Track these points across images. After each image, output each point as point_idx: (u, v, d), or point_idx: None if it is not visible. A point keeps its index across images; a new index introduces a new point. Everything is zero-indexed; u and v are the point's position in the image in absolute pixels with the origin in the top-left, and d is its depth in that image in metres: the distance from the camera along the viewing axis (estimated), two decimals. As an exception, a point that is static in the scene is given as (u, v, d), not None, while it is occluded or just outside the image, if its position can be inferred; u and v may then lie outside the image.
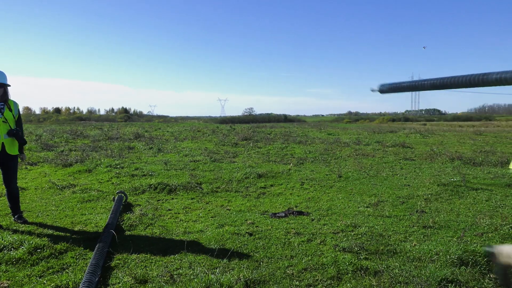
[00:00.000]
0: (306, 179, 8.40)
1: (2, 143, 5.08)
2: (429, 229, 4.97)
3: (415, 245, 4.37)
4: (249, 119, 64.50)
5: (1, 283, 3.44)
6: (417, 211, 5.82)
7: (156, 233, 4.87)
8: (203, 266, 3.81)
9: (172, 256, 4.08)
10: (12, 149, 5.19)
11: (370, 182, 8.11)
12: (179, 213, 5.81)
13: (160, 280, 3.51)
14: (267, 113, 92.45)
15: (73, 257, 4.05)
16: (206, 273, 3.58)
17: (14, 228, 5.00)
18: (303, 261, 3.96)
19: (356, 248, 4.21)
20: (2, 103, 5.12)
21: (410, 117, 72.35)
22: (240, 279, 3.43)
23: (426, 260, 3.92)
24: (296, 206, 6.19)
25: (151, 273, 3.66)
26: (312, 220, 5.44)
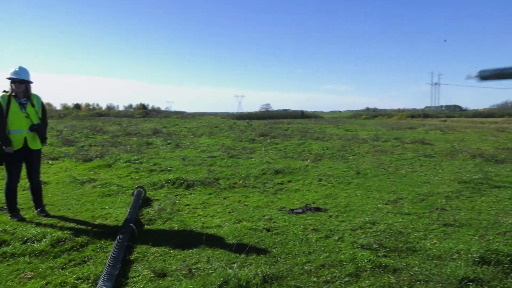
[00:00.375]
0: (324, 176, 8.36)
1: (25, 137, 5.18)
2: (449, 227, 4.89)
3: (435, 243, 4.30)
4: (266, 115, 64.43)
5: (25, 274, 3.53)
6: (437, 209, 5.73)
7: (174, 227, 4.92)
8: (221, 260, 3.84)
9: (190, 250, 4.12)
10: (34, 143, 5.29)
11: (389, 179, 8.02)
12: (197, 208, 5.85)
13: (178, 274, 3.55)
14: (284, 109, 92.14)
15: (94, 250, 4.13)
16: (224, 267, 3.61)
17: (37, 221, 5.12)
18: (321, 257, 3.95)
19: (374, 245, 4.17)
20: (25, 99, 5.22)
21: (430, 113, 71.17)
22: (258, 274, 3.44)
23: (447, 259, 3.86)
24: (313, 203, 6.17)
25: (170, 267, 3.70)
26: (330, 216, 5.42)
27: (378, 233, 4.65)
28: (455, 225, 4.97)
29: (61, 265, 3.75)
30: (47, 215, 5.37)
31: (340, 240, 4.46)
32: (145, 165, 9.41)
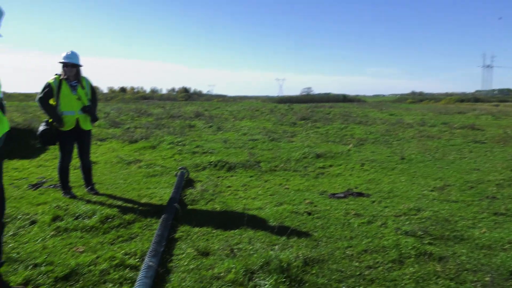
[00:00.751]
0: (367, 161, 8.19)
1: (77, 119, 5.40)
2: (500, 216, 4.66)
3: (484, 232, 4.13)
4: (307, 98, 63.61)
5: (77, 248, 3.73)
6: (487, 197, 5.48)
7: (216, 208, 5.01)
8: (262, 242, 3.88)
9: (232, 231, 4.19)
10: (86, 124, 5.51)
11: (435, 165, 7.74)
12: (238, 190, 5.92)
13: (221, 253, 3.62)
14: (326, 93, 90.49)
15: (140, 228, 4.29)
16: (266, 249, 3.64)
17: (87, 198, 5.38)
18: (363, 242, 3.89)
19: (419, 232, 4.05)
20: (76, 82, 5.43)
21: (480, 98, 67.48)
22: (299, 257, 3.45)
23: (497, 249, 3.70)
24: (356, 187, 6.07)
25: (212, 246, 3.79)
26: (373, 202, 5.32)
27: (423, 220, 4.51)
28: (507, 214, 4.74)
29: (110, 240, 3.93)
30: (96, 193, 5.61)
31: (383, 226, 4.38)
32: (188, 147, 9.62)
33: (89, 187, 5.72)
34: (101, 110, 20.92)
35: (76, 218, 4.48)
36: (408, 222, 4.43)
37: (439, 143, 10.84)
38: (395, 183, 6.32)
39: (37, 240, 3.93)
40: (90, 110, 5.49)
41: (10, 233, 4.08)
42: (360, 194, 5.68)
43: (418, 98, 78.06)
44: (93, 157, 8.43)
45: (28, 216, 4.53)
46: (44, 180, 6.42)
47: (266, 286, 2.94)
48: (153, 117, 18.35)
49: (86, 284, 3.07)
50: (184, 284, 3.08)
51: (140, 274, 2.95)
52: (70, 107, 5.34)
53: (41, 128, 5.31)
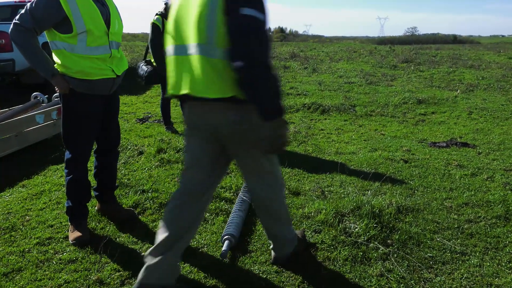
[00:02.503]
0: (476, 108, 7.46)
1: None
2: None
3: None
4: (411, 39, 58.70)
5: (179, 179, 4.06)
6: None
7: (308, 150, 5.02)
8: (354, 186, 3.83)
9: (323, 174, 4.19)
10: None
11: (560, 117, 6.79)
12: (331, 134, 5.84)
13: (312, 194, 3.67)
14: (433, 33, 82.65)
15: (235, 164, 4.49)
16: (357, 193, 3.60)
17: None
18: (464, 195, 3.65)
19: (532, 190, 3.67)
20: None
21: None
22: (392, 204, 3.36)
23: None
24: (460, 137, 5.61)
25: (303, 186, 3.85)
26: (479, 153, 4.89)
27: (539, 176, 4.06)
28: None
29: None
30: (174, 131, 5.92)
31: (489, 179, 4.03)
32: (282, 88, 9.59)
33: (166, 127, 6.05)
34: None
35: (178, 151, 4.83)
36: (519, 178, 4.02)
37: None
38: (508, 135, 5.70)
39: (144, 169, 4.35)
40: None
41: (122, 161, 4.57)
42: (464, 144, 5.25)
43: (546, 39, 67.46)
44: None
45: (136, 147, 5.00)
46: (150, 115, 6.96)
47: (356, 229, 2.94)
48: (249, 58, 18.52)
49: (186, 211, 3.36)
50: (275, 219, 3.20)
51: (235, 207, 3.13)
52: None
53: (146, 68, 5.41)
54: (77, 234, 2.85)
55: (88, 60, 2.67)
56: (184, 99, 2.06)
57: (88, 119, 2.83)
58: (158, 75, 5.43)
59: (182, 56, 1.96)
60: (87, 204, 3.10)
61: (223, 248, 2.59)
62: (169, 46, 2.05)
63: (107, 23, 2.75)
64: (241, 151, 2.12)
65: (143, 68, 5.45)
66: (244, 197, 3.29)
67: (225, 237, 2.71)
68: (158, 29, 5.26)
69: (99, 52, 2.71)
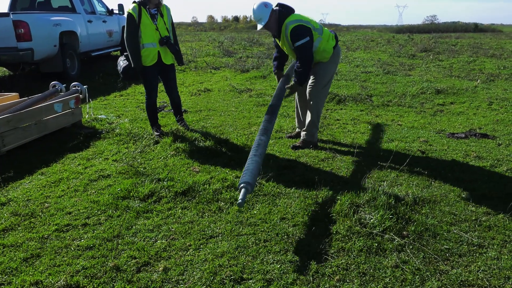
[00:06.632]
0: (496, 99, 7.29)
1: (158, 52, 4.86)
2: None
3: None
4: (430, 28, 57.32)
5: (194, 168, 4.09)
6: None
7: (324, 140, 4.99)
8: (370, 177, 3.80)
9: (339, 164, 4.17)
10: (167, 58, 4.98)
11: None
12: (347, 124, 5.79)
13: (327, 184, 3.65)
14: (453, 22, 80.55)
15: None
16: (373, 184, 3.57)
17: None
18: (483, 187, 3.58)
19: (554, 182, 3.58)
20: (155, 10, 4.77)
21: None
22: (408, 195, 3.33)
23: None
24: (480, 128, 5.50)
25: (318, 176, 3.82)
26: (499, 145, 4.79)
27: (561, 169, 3.95)
28: None
29: (223, 164, 4.22)
30: (186, 126, 5.41)
31: (508, 171, 3.95)
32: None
33: (178, 117, 5.54)
34: (216, 39, 21.51)
35: (193, 141, 4.86)
36: (541, 170, 3.93)
37: None
38: (530, 126, 5.56)
39: (160, 158, 4.39)
40: (167, 42, 4.80)
41: (138, 150, 4.61)
42: (484, 136, 5.14)
43: None
44: (207, 84, 8.89)
45: (152, 136, 5.04)
46: (165, 104, 7.00)
47: (372, 220, 2.92)
48: (265, 47, 18.39)
49: (201, 200, 3.38)
50: (289, 210, 3.21)
51: (251, 152, 3.20)
52: (152, 38, 4.74)
53: (122, 64, 4.98)
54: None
55: None
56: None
57: None
58: (134, 70, 4.86)
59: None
60: None
61: (240, 197, 2.61)
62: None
63: None
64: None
65: (120, 63, 5.05)
66: (260, 140, 3.31)
67: (241, 185, 2.72)
68: (133, 20, 4.66)
69: None
